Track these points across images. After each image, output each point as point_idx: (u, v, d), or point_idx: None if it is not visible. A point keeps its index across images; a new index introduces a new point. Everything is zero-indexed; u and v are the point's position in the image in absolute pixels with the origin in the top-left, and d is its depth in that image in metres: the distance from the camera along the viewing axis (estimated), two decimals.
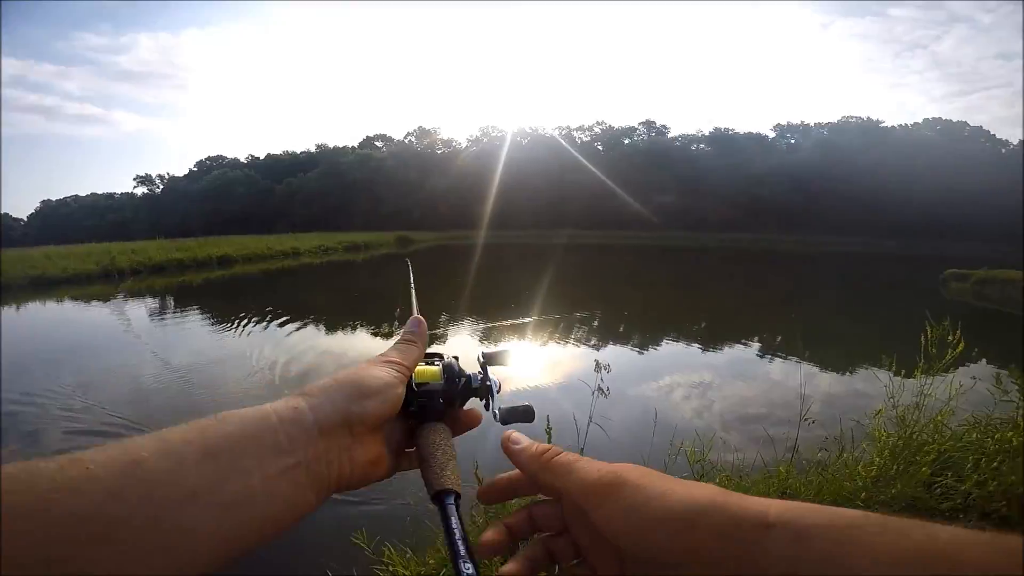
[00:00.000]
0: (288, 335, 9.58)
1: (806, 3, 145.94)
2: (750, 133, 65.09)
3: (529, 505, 0.43)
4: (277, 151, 78.48)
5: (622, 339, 9.89)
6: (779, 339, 9.94)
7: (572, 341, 9.53)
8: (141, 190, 78.34)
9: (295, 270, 23.03)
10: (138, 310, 12.75)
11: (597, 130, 70.23)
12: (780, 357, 8.29)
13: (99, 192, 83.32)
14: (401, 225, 48.36)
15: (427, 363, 0.52)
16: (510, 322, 10.73)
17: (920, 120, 61.93)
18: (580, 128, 70.65)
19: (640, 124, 69.87)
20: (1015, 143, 57.19)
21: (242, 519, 0.32)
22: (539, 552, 0.41)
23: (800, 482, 2.36)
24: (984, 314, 13.02)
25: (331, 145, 75.20)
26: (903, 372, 2.75)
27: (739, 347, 9.47)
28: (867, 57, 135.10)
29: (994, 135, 59.71)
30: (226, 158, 78.11)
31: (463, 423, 0.50)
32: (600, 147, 66.87)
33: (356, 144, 74.62)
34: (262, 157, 77.32)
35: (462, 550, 0.36)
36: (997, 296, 14.48)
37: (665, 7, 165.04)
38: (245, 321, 10.41)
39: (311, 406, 0.38)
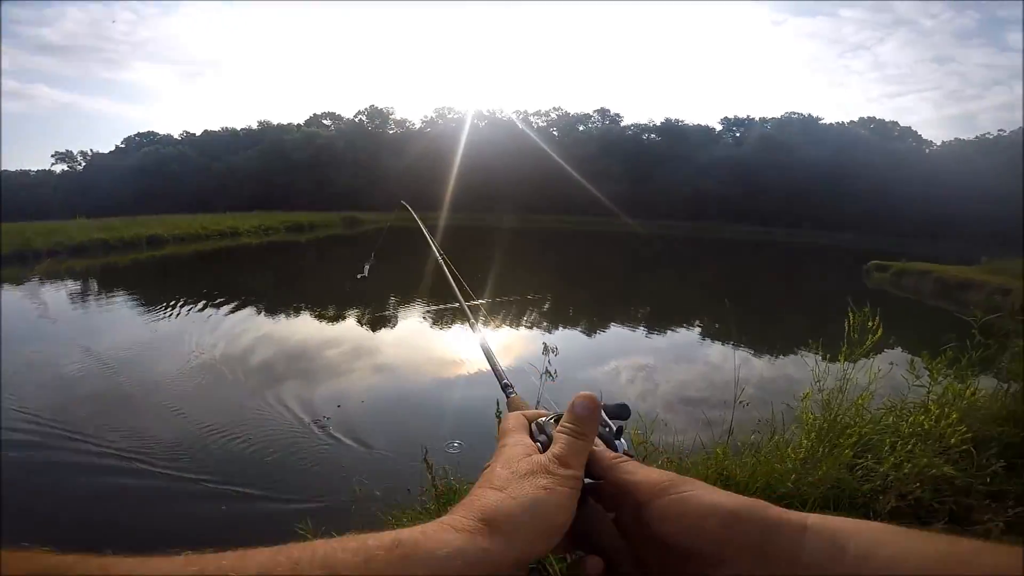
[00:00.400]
0: (227, 318, 9.10)
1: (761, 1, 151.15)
2: (699, 125, 67.07)
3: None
4: (215, 127, 73.67)
5: (572, 323, 10.06)
6: (717, 325, 10.42)
7: (524, 324, 9.60)
8: (60, 167, 71.49)
9: (233, 251, 21.83)
10: (56, 294, 11.69)
11: (553, 115, 70.25)
12: (719, 342, 8.66)
13: (11, 169, 75.16)
14: (349, 206, 46.64)
15: None
16: (462, 304, 10.58)
17: (856, 119, 66.03)
18: (537, 113, 70.46)
19: (595, 111, 70.52)
20: (938, 144, 62.15)
21: None
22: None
23: (736, 464, 2.44)
24: (902, 302, 14.17)
25: (275, 122, 71.29)
26: (828, 356, 2.90)
27: (681, 332, 9.87)
28: (813, 56, 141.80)
29: (920, 135, 64.60)
30: (158, 134, 72.51)
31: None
32: (555, 132, 67.02)
33: (302, 122, 71.11)
34: (198, 134, 72.40)
35: None
36: (912, 286, 15.78)
37: None
38: (179, 305, 9.77)
39: (505, 548, 0.35)
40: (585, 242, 32.66)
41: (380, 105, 70.89)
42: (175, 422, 4.84)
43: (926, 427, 2.20)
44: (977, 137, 59.60)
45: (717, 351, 8.16)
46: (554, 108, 70.74)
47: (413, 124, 69.60)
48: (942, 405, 2.32)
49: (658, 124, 66.60)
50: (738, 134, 66.39)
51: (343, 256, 21.27)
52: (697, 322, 10.57)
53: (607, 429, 0.49)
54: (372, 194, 52.73)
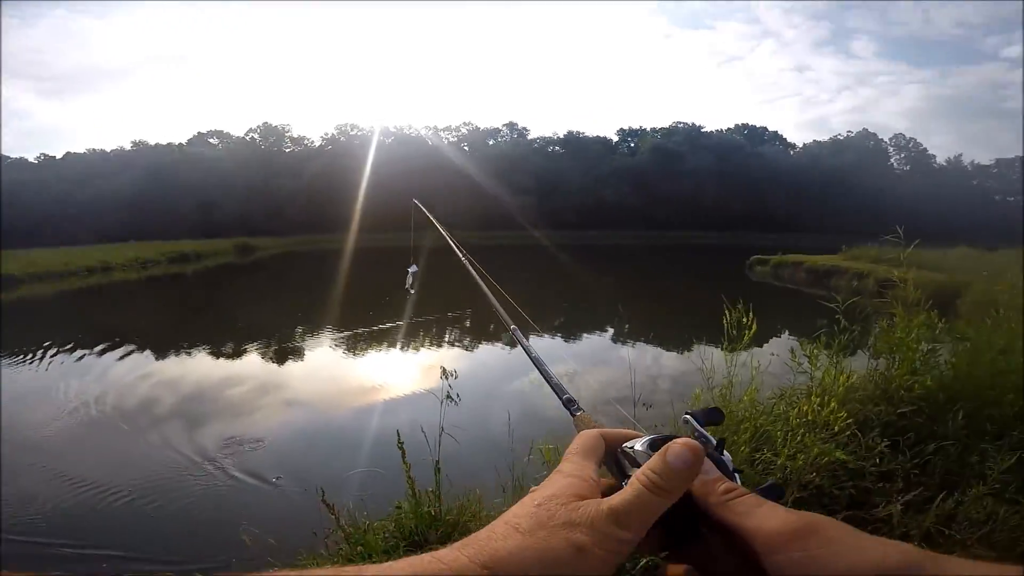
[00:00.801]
0: (104, 364, 7.96)
1: (656, 15, 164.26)
2: (598, 136, 71.00)
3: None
4: (79, 149, 65.32)
5: (493, 337, 10.02)
6: (627, 327, 10.95)
7: (446, 343, 9.44)
8: None
9: (107, 288, 19.25)
10: None
11: (464, 130, 70.74)
12: (630, 342, 9.09)
13: None
14: (241, 231, 43.24)
15: None
16: (379, 327, 10.24)
17: (732, 125, 73.54)
18: (447, 128, 70.57)
19: (504, 125, 72.11)
20: (800, 146, 70.74)
21: None
22: None
23: None
24: (783, 292, 15.80)
25: (152, 142, 64.67)
26: (723, 347, 3.02)
27: (596, 335, 10.23)
28: (698, 66, 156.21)
29: (785, 138, 73.27)
30: (9, 158, 62.94)
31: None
32: (467, 147, 67.50)
33: (184, 141, 65.18)
34: (59, 156, 63.78)
35: None
36: (789, 277, 17.68)
37: (525, 13, 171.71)
38: (44, 352, 8.44)
39: None
40: (502, 255, 32.93)
41: (274, 122, 67.02)
42: (32, 479, 4.18)
43: (810, 416, 2.29)
44: (830, 139, 68.75)
45: (628, 351, 8.50)
46: (464, 123, 71.41)
47: (312, 142, 66.48)
48: (822, 392, 2.51)
49: (561, 136, 69.49)
50: (632, 144, 71.06)
51: (237, 286, 19.63)
52: (608, 325, 10.99)
53: (706, 442, 0.42)
54: (267, 218, 49.54)
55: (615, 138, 72.92)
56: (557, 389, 0.68)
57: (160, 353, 8.78)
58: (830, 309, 3.18)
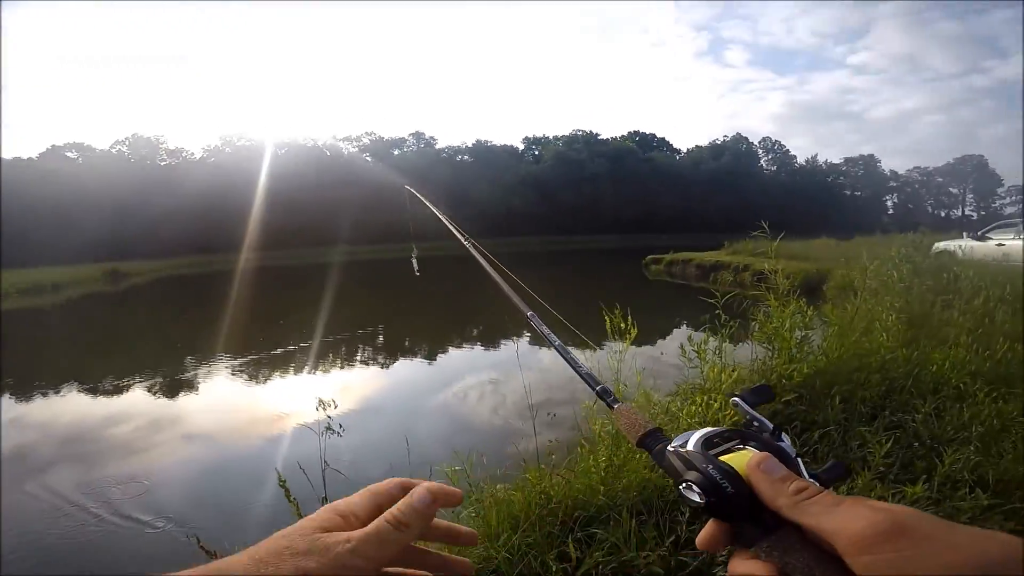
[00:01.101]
0: None
1: (559, 24, 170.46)
2: (505, 145, 72.06)
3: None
4: None
5: (410, 352, 9.72)
6: (544, 329, 11.02)
7: (358, 362, 8.99)
8: None
9: None
10: None
11: (366, 140, 68.22)
12: (547, 346, 9.21)
13: None
14: (112, 255, 37.96)
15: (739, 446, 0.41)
16: (282, 350, 9.54)
17: (626, 132, 78.22)
18: (347, 138, 67.65)
19: (410, 135, 70.66)
20: (685, 151, 76.86)
21: None
22: None
23: (551, 484, 2.35)
24: (677, 287, 16.99)
25: None
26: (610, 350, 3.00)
27: (512, 341, 10.23)
28: (598, 75, 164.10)
29: (671, 143, 79.26)
30: None
31: None
32: (369, 158, 65.18)
33: (36, 155, 56.19)
34: None
35: None
36: (680, 273, 19.07)
37: (429, 18, 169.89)
38: None
39: None
40: (410, 268, 32.12)
41: (146, 133, 59.99)
42: None
43: (699, 415, 2.30)
44: (710, 143, 75.64)
45: (549, 355, 8.56)
46: (366, 132, 68.88)
47: (192, 154, 60.44)
48: (707, 391, 2.58)
49: (470, 145, 69.58)
50: (537, 152, 73.13)
51: (111, 317, 17.16)
52: (524, 330, 11.05)
53: (756, 427, 0.40)
54: (141, 239, 44.09)
55: (521, 146, 74.53)
56: (588, 379, 0.64)
57: (23, 396, 7.53)
58: (715, 302, 3.30)
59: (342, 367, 8.69)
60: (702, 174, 68.15)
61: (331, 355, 9.34)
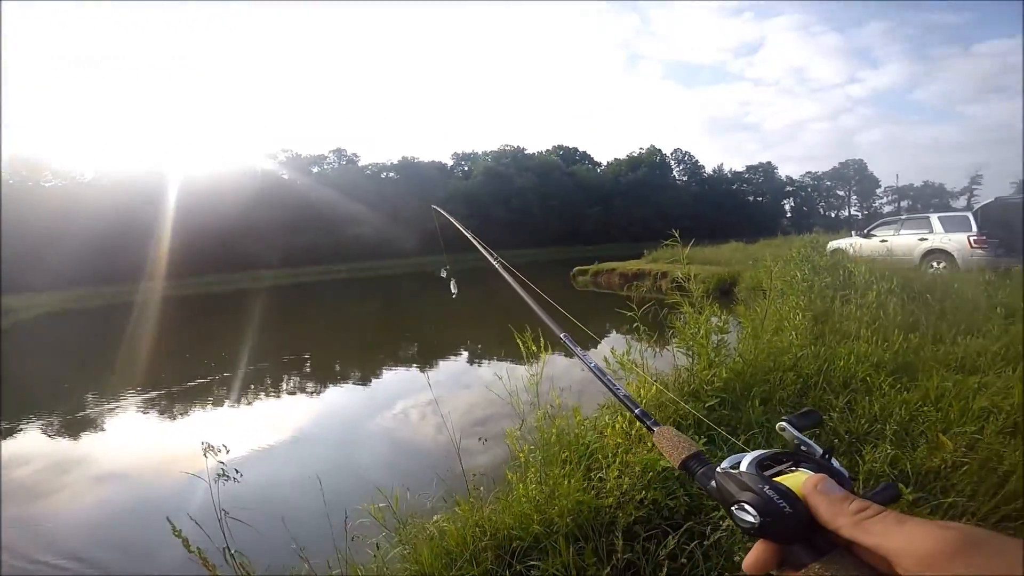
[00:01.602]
0: None
1: (484, 41, 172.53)
2: (433, 161, 71.37)
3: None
4: None
5: (340, 378, 9.22)
6: (480, 347, 10.92)
7: (285, 391, 8.36)
8: None
9: None
10: None
11: (282, 157, 64.73)
12: (485, 362, 9.11)
13: None
14: None
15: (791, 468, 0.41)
16: (199, 382, 8.74)
17: (551, 147, 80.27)
18: (266, 155, 63.78)
19: (331, 152, 68.04)
20: (605, 164, 79.92)
21: None
22: None
23: (483, 516, 2.15)
24: (603, 297, 17.44)
25: None
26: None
27: (452, 360, 9.95)
28: (523, 89, 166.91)
29: (592, 157, 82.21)
30: None
31: None
32: (286, 175, 61.92)
33: None
34: None
35: None
36: (605, 283, 19.65)
37: (352, 32, 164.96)
38: None
39: None
40: (339, 290, 30.81)
41: (24, 154, 53.15)
42: None
43: (622, 434, 2.24)
44: (627, 155, 79.31)
45: (487, 370, 8.36)
46: (282, 150, 65.41)
47: (82, 175, 54.23)
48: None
49: (395, 162, 68.22)
50: (466, 168, 73.21)
51: None
52: (461, 348, 10.84)
53: (805, 450, 0.41)
54: (24, 270, 38.90)
55: (450, 162, 74.22)
56: (626, 401, 0.66)
57: None
58: (633, 314, 3.26)
59: (265, 397, 8.07)
60: (622, 186, 71.39)
61: (253, 385, 8.67)
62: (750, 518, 0.38)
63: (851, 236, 11.80)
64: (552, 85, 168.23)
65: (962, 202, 65.52)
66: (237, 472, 2.49)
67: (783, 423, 0.44)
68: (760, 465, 0.41)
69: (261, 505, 4.11)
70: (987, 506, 1.84)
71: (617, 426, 2.03)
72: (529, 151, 74.69)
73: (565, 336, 0.85)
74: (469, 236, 1.45)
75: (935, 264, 9.29)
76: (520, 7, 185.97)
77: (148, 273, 40.19)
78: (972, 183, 67.54)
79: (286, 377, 9.26)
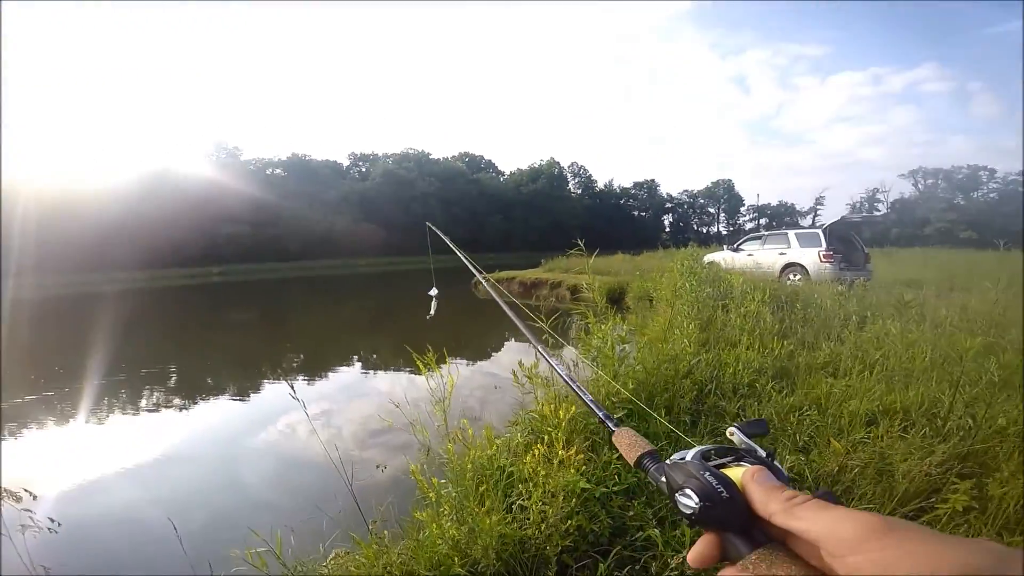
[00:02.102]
0: None
1: (389, 39, 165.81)
2: (327, 160, 67.26)
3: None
4: None
5: (213, 391, 8.26)
6: (375, 356, 10.33)
7: (145, 408, 7.21)
8: None
9: None
10: None
11: (158, 148, 56.48)
12: (389, 370, 8.70)
13: None
14: None
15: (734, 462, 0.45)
16: (40, 396, 7.49)
17: (456, 153, 79.90)
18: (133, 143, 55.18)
19: (212, 144, 61.15)
20: (507, 173, 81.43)
21: None
22: None
23: (392, 562, 1.88)
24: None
25: None
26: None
27: (344, 369, 9.30)
28: (425, 94, 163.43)
29: (496, 165, 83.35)
30: None
31: None
32: (157, 168, 54.10)
33: None
34: None
35: None
36: (507, 291, 19.89)
37: (234, 16, 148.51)
38: None
39: None
40: (208, 296, 27.60)
41: None
42: None
43: (542, 455, 2.11)
44: (528, 166, 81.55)
45: (384, 378, 7.86)
46: (158, 140, 57.31)
47: None
48: (545, 423, 2.35)
49: (284, 159, 63.25)
50: (364, 168, 70.13)
51: None
52: (354, 356, 10.19)
53: (751, 451, 0.44)
54: None
55: (346, 162, 70.67)
56: (593, 406, 0.71)
57: None
58: (540, 324, 3.17)
59: (121, 414, 6.94)
60: (523, 196, 73.31)
61: (108, 400, 7.47)
62: (691, 503, 0.40)
63: (723, 250, 13.10)
64: (458, 90, 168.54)
65: (808, 220, 76.80)
66: (53, 521, 2.07)
67: (733, 428, 0.45)
68: (704, 456, 0.43)
69: (101, 556, 3.38)
70: (887, 508, 1.97)
71: (537, 452, 1.86)
72: (434, 156, 73.86)
73: (540, 347, 0.87)
74: (461, 255, 1.37)
75: (792, 276, 10.61)
76: (438, 7, 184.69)
77: None
78: (817, 203, 79.34)
79: (146, 392, 7.95)
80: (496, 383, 6.94)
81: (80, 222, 38.72)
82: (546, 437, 1.94)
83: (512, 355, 8.83)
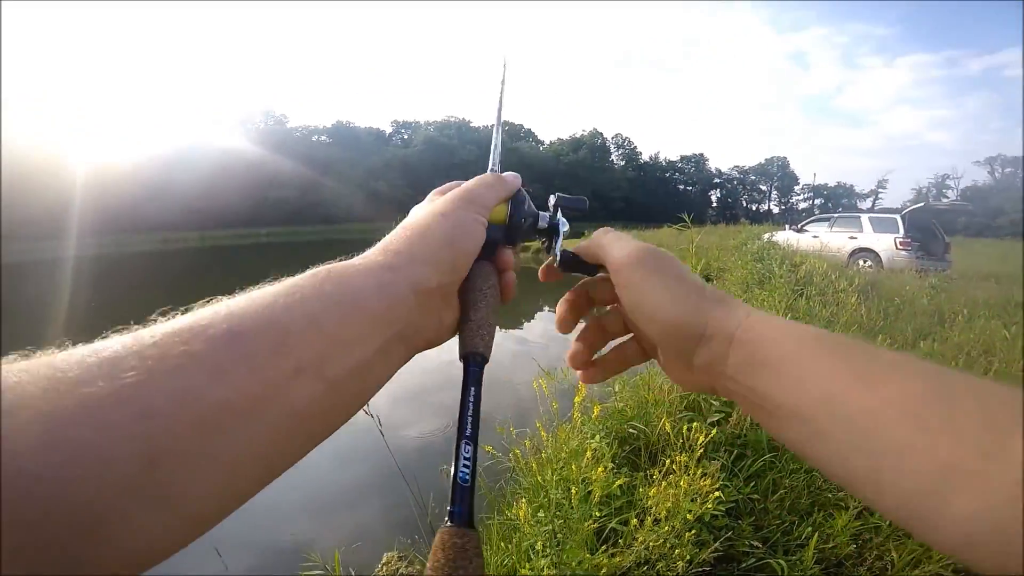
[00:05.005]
0: None
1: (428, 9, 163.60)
2: (370, 128, 67.65)
3: (584, 282, 0.46)
4: None
5: None
6: None
7: None
8: None
9: None
10: None
11: (206, 116, 58.45)
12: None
13: None
14: None
15: None
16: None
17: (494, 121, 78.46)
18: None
19: (262, 113, 62.56)
20: (547, 143, 79.92)
21: (340, 397, 0.30)
22: (593, 328, 0.44)
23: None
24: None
25: None
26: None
27: None
28: (469, 64, 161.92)
29: (537, 135, 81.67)
30: None
31: (502, 263, 0.44)
32: (204, 135, 55.91)
33: None
34: None
35: (468, 429, 0.34)
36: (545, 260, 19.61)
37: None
38: None
39: (405, 269, 0.35)
40: (260, 255, 28.48)
41: None
42: None
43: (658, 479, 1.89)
44: (570, 137, 79.81)
45: None
46: (207, 107, 59.00)
47: None
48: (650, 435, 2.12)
49: (328, 126, 64.02)
50: (406, 136, 70.25)
51: None
52: None
53: (552, 221, 0.48)
54: None
55: (389, 129, 70.94)
56: None
57: None
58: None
59: None
60: (562, 166, 71.75)
61: None
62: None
63: (785, 230, 12.28)
64: (502, 60, 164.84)
65: (868, 203, 72.21)
66: None
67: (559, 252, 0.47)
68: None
69: None
70: None
71: (655, 477, 1.59)
72: (475, 124, 72.98)
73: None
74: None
75: (861, 262, 9.82)
76: None
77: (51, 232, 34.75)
78: (879, 186, 74.40)
79: None
80: (529, 351, 6.64)
81: (132, 184, 40.60)
82: (667, 462, 1.67)
83: (545, 324, 8.58)
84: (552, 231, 0.47)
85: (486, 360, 0.38)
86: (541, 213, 0.48)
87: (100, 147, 41.27)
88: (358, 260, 0.35)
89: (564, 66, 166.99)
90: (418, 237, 0.36)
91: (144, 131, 47.50)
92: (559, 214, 0.48)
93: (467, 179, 0.47)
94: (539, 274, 0.48)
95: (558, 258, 0.46)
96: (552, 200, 0.49)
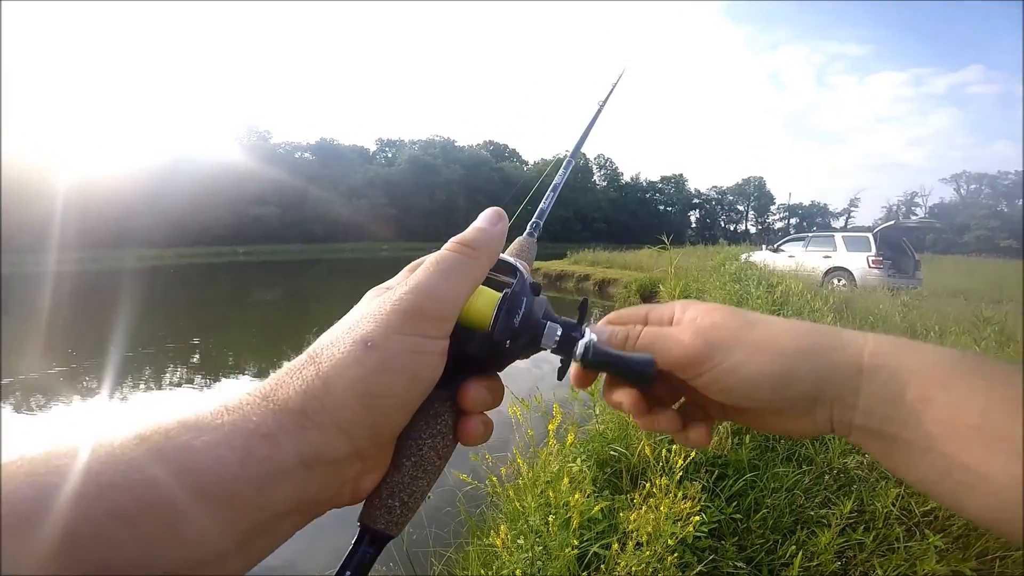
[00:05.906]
0: None
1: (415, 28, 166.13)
2: (354, 145, 67.74)
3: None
4: None
5: (236, 370, 8.25)
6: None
7: (169, 384, 7.21)
8: None
9: None
10: None
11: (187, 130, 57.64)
12: None
13: None
14: None
15: (489, 282, 0.36)
16: (59, 369, 7.30)
17: (481, 141, 80.00)
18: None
19: (245, 128, 62.19)
20: (531, 163, 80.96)
21: None
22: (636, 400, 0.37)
23: None
24: None
25: None
26: None
27: None
28: (450, 83, 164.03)
29: (520, 155, 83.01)
30: None
31: (464, 401, 0.32)
32: (186, 151, 55.12)
33: None
34: None
35: None
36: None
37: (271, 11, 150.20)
38: None
39: (292, 436, 0.24)
40: (236, 274, 28.00)
41: None
42: None
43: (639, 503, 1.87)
44: (553, 156, 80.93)
45: None
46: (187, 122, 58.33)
47: None
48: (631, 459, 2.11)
49: (312, 143, 63.90)
50: (390, 154, 70.47)
51: None
52: None
53: (572, 333, 0.36)
54: None
55: (373, 147, 71.12)
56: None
57: None
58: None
59: (145, 389, 6.91)
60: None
61: (131, 375, 7.49)
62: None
63: (762, 250, 12.54)
64: (484, 80, 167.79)
65: (841, 221, 74.47)
66: None
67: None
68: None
69: None
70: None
71: (636, 500, 1.59)
72: (459, 144, 73.76)
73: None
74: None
75: (836, 281, 10.08)
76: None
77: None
78: (851, 205, 76.79)
79: (183, 366, 8.01)
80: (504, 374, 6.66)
81: (110, 200, 39.71)
82: (647, 486, 1.65)
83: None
84: (565, 346, 0.34)
85: (388, 539, 0.28)
86: (550, 324, 0.34)
87: (84, 161, 40.36)
88: (224, 413, 0.24)
89: (547, 86, 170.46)
90: (320, 386, 0.25)
91: (126, 147, 46.68)
92: (585, 325, 0.35)
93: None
94: (571, 381, 0.39)
95: (580, 360, 0.34)
96: (581, 307, 0.36)
